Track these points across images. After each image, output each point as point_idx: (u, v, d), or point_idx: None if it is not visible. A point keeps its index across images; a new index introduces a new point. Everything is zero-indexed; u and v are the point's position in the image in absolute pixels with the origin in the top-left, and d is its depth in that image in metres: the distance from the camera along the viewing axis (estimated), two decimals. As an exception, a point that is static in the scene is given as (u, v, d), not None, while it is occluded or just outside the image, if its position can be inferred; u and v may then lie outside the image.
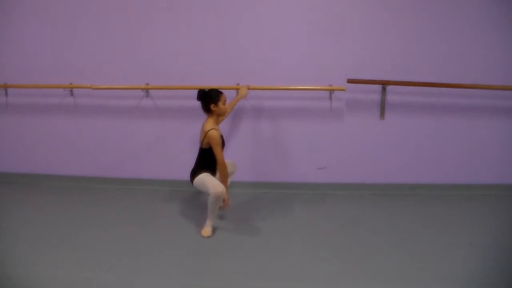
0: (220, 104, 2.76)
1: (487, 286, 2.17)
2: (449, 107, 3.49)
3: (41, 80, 3.61)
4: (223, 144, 2.86)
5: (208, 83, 3.25)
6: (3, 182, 3.80)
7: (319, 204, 3.35)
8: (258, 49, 3.45)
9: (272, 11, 3.41)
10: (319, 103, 3.51)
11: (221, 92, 2.80)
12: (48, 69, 3.61)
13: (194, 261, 2.45)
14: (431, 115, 3.50)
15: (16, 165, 3.85)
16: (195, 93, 2.80)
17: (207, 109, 2.79)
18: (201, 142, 2.78)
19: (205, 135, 2.72)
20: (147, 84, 3.53)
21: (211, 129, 2.70)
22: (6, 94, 3.74)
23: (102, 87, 3.49)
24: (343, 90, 3.36)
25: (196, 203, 3.35)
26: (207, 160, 2.79)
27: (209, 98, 2.76)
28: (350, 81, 3.34)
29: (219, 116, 2.84)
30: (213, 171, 2.83)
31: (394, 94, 3.45)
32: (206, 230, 2.74)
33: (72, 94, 3.66)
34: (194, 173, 2.79)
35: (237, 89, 3.37)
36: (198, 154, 2.84)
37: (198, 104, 2.81)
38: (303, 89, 3.40)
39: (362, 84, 3.36)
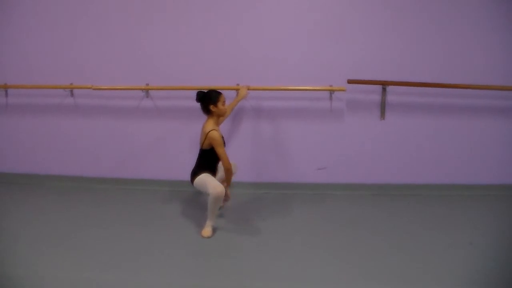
0: (220, 104, 2.76)
1: (487, 286, 2.17)
2: (449, 107, 3.49)
3: (41, 81, 3.61)
4: (223, 144, 2.86)
5: (208, 84, 3.25)
6: (3, 182, 3.80)
7: (319, 204, 3.35)
8: (258, 49, 3.45)
9: (272, 11, 3.41)
10: (319, 103, 3.51)
11: (220, 93, 2.79)
12: (48, 69, 3.61)
13: (194, 261, 2.45)
14: (431, 115, 3.50)
15: (16, 165, 3.84)
16: (195, 93, 2.80)
17: (206, 110, 2.79)
18: (202, 143, 2.78)
19: (205, 136, 2.72)
20: (147, 84, 3.53)
21: (211, 130, 2.69)
22: (6, 94, 3.74)
23: (102, 87, 3.49)
24: (343, 90, 3.36)
25: (196, 203, 3.35)
26: (207, 160, 2.80)
27: (208, 99, 2.76)
28: (350, 81, 3.34)
29: (219, 116, 2.84)
30: (213, 172, 2.83)
31: (394, 94, 3.45)
32: (206, 231, 2.74)
33: (72, 94, 3.66)
34: (195, 173, 2.79)
35: (237, 90, 3.37)
36: (199, 155, 2.84)
37: (198, 104, 2.81)
38: (303, 89, 3.40)
39: (362, 85, 3.37)
